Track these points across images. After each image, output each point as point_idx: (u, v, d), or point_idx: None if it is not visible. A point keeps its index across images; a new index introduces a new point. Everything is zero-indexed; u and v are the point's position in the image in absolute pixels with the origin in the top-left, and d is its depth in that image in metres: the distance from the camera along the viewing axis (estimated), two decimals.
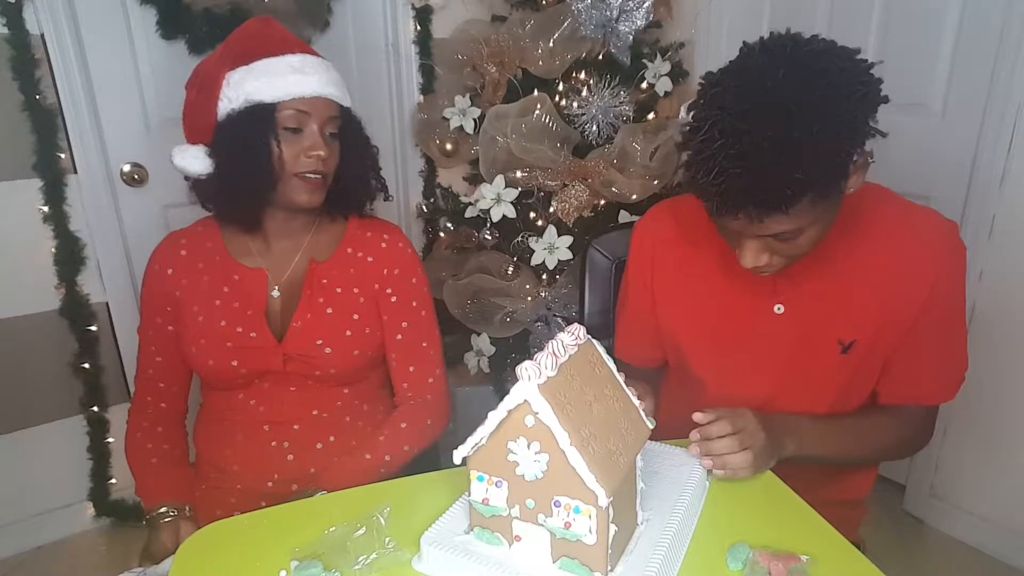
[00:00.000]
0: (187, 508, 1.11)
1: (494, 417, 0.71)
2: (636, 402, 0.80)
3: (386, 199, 1.23)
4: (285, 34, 1.11)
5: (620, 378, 0.80)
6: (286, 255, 1.17)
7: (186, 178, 1.13)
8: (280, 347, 1.12)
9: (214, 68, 1.07)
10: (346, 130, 1.12)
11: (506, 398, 0.69)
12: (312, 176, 1.07)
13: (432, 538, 0.79)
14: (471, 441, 0.73)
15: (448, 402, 1.26)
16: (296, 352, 1.12)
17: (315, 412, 1.16)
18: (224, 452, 1.17)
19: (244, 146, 1.05)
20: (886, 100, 0.80)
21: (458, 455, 0.74)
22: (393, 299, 1.19)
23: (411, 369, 1.21)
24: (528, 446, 0.71)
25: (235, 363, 1.11)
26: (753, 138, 0.75)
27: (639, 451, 0.77)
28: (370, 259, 1.19)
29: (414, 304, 1.21)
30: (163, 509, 1.09)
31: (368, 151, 1.18)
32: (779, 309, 1.01)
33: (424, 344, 1.22)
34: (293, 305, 1.14)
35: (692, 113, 0.82)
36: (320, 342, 1.12)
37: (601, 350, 0.80)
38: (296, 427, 1.16)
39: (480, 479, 0.75)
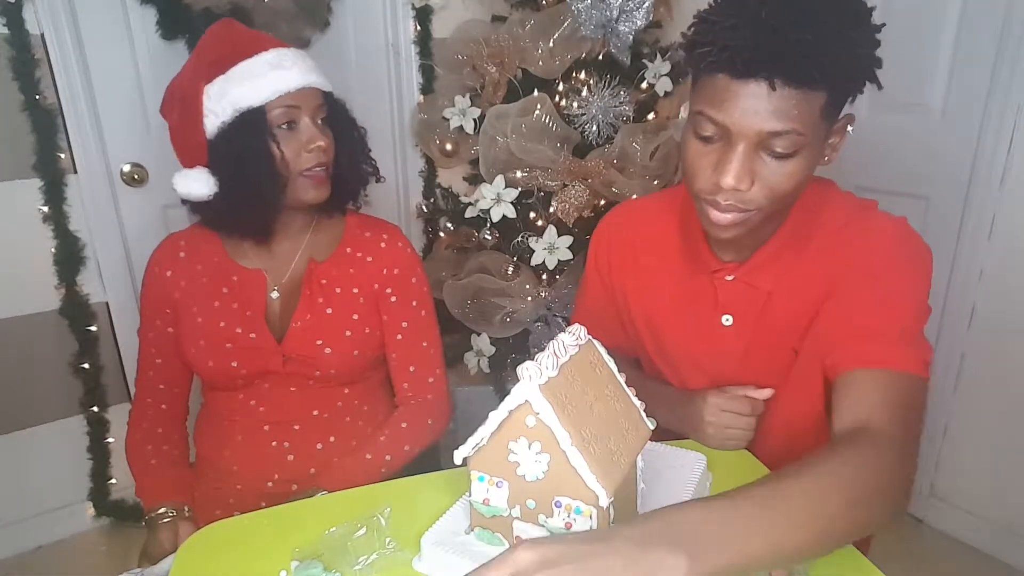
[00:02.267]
0: (186, 508, 1.11)
1: (495, 417, 0.71)
2: (636, 402, 0.80)
3: (377, 180, 1.22)
4: (252, 33, 1.10)
5: (621, 378, 0.80)
6: (285, 256, 1.17)
7: (183, 201, 1.11)
8: (280, 347, 1.12)
9: (190, 84, 1.05)
10: (334, 115, 1.12)
11: (507, 398, 0.69)
12: (318, 170, 1.07)
13: (433, 538, 0.79)
14: (472, 441, 0.73)
15: (448, 402, 1.26)
16: (296, 352, 1.12)
17: (315, 412, 1.16)
18: (224, 452, 1.17)
19: (244, 156, 1.03)
20: (880, 64, 0.79)
21: (459, 455, 0.74)
22: (393, 299, 1.19)
23: (411, 369, 1.21)
24: (529, 446, 0.71)
25: (235, 364, 1.11)
26: (795, 8, 0.73)
27: (640, 451, 0.77)
28: (369, 259, 1.18)
29: (414, 304, 1.20)
30: (162, 510, 1.09)
31: (357, 132, 1.18)
32: (727, 320, 0.99)
33: (424, 344, 1.22)
34: (293, 306, 1.14)
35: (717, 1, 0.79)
36: (320, 342, 1.12)
37: (602, 350, 0.80)
38: (296, 427, 1.15)
39: (481, 479, 0.75)
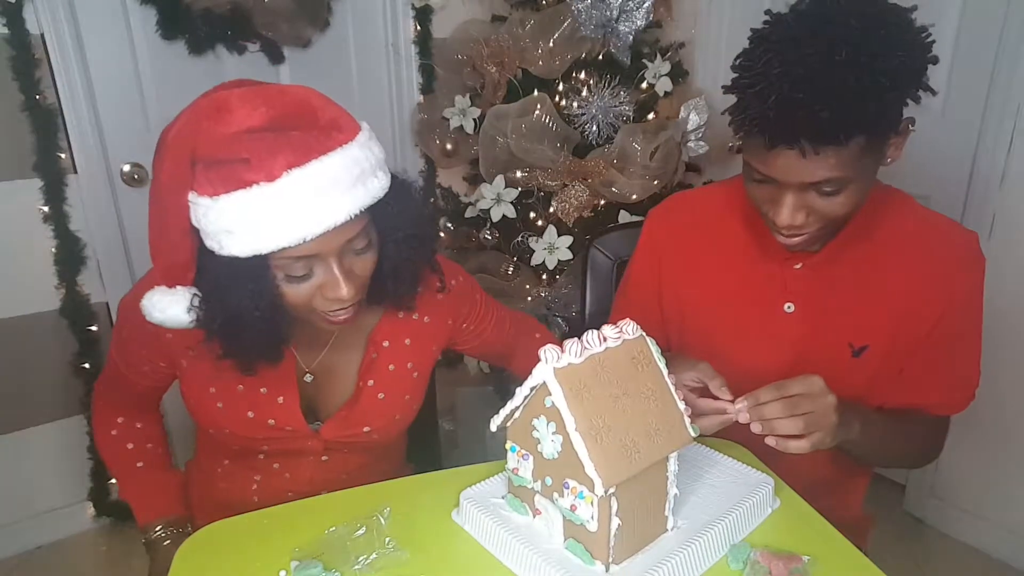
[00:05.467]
0: (188, 526, 1.05)
1: (520, 393, 0.74)
2: (681, 407, 0.77)
3: (441, 290, 0.99)
4: (255, 139, 0.71)
5: (669, 380, 0.78)
6: (319, 331, 0.95)
7: None
8: (319, 435, 0.98)
9: (169, 183, 0.74)
10: (380, 225, 0.82)
11: (531, 376, 0.72)
12: (339, 314, 0.83)
13: (472, 495, 0.85)
14: (504, 412, 0.77)
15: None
16: (338, 437, 0.99)
17: (344, 476, 1.05)
18: (236, 503, 1.02)
19: (233, 301, 0.77)
20: (936, 60, 0.80)
21: (493, 424, 0.78)
22: (472, 326, 1.10)
23: (511, 330, 1.17)
24: (547, 425, 0.73)
25: (266, 448, 1.00)
26: (818, 66, 0.75)
27: (670, 454, 0.76)
28: (426, 319, 1.01)
29: (484, 306, 1.11)
30: (159, 528, 1.02)
31: (415, 232, 0.87)
32: (789, 308, 1.01)
33: (501, 313, 1.16)
34: (330, 383, 0.99)
35: (747, 50, 0.83)
36: (367, 429, 0.99)
37: (654, 349, 0.78)
38: (324, 493, 1.02)
39: (513, 449, 0.79)
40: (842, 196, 0.84)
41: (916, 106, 0.83)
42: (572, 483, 0.72)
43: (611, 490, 0.69)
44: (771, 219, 0.89)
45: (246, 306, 0.77)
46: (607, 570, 0.73)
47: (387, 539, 0.80)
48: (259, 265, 0.75)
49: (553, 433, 0.72)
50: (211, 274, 0.77)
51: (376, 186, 0.78)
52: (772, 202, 0.88)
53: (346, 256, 0.79)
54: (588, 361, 0.72)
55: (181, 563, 0.81)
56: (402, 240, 0.85)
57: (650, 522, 0.77)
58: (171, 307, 0.79)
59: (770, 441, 0.82)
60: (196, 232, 0.76)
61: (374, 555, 0.78)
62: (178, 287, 0.79)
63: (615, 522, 0.72)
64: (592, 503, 0.71)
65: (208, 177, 0.72)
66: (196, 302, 0.79)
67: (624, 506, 0.72)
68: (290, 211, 0.72)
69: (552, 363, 0.69)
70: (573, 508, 0.73)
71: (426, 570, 0.78)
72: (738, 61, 0.84)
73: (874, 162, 0.85)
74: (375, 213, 0.80)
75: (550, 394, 0.70)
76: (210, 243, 0.75)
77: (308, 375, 0.98)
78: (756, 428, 0.83)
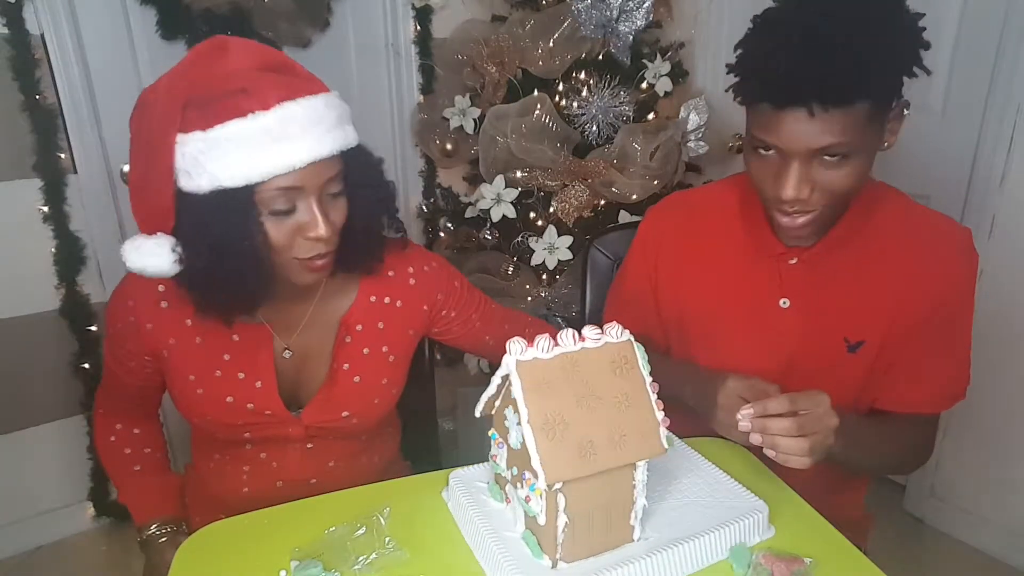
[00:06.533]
0: (183, 525, 1.06)
1: (493, 381, 0.76)
2: (659, 416, 0.76)
3: (403, 245, 1.05)
4: (253, 74, 0.80)
5: (650, 390, 0.76)
6: (293, 311, 0.99)
7: None
8: (299, 420, 1.01)
9: (159, 127, 0.81)
10: (351, 176, 0.89)
11: (500, 367, 0.73)
12: (317, 262, 0.88)
13: (460, 475, 0.88)
14: (483, 399, 0.78)
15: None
16: (318, 422, 1.02)
17: (332, 464, 1.07)
18: (228, 497, 1.07)
19: (217, 239, 0.81)
20: (928, 46, 0.83)
21: (477, 410, 0.80)
22: (453, 313, 1.10)
23: (506, 327, 1.16)
24: (514, 415, 0.73)
25: (248, 435, 1.01)
26: (826, 28, 0.78)
27: (636, 462, 0.74)
28: (399, 304, 1.04)
29: (466, 295, 1.12)
30: (154, 527, 1.03)
31: (379, 192, 0.94)
32: (785, 303, 1.01)
33: (492, 307, 1.16)
34: (308, 366, 1.02)
35: (756, 17, 0.86)
36: (346, 414, 1.02)
37: (641, 356, 0.77)
38: (313, 481, 1.05)
39: (493, 437, 0.81)
40: (845, 168, 0.85)
41: (916, 106, 0.84)
42: (528, 474, 0.73)
43: (557, 486, 0.70)
44: (775, 195, 0.89)
45: (232, 239, 0.81)
46: (554, 566, 0.74)
47: (387, 539, 0.80)
48: (245, 199, 0.80)
49: (517, 424, 0.72)
50: (194, 214, 0.81)
51: (351, 134, 0.88)
52: (776, 176, 0.88)
53: (323, 198, 0.85)
54: (558, 358, 0.72)
55: (181, 563, 0.81)
56: (370, 195, 0.92)
57: (612, 528, 0.76)
58: (152, 252, 0.83)
59: (769, 453, 0.82)
60: (176, 182, 0.81)
61: (374, 555, 0.78)
62: (159, 233, 0.84)
63: (562, 519, 0.72)
64: (541, 496, 0.72)
65: (201, 113, 0.78)
66: (177, 246, 0.83)
67: (576, 505, 0.72)
68: (282, 139, 0.78)
69: (516, 355, 0.70)
70: (527, 499, 0.74)
71: (426, 570, 0.78)
72: (749, 28, 0.87)
73: (874, 138, 0.86)
74: (348, 163, 0.87)
75: (511, 385, 0.71)
76: (195, 183, 0.80)
77: (287, 351, 1.00)
78: (756, 439, 0.82)
